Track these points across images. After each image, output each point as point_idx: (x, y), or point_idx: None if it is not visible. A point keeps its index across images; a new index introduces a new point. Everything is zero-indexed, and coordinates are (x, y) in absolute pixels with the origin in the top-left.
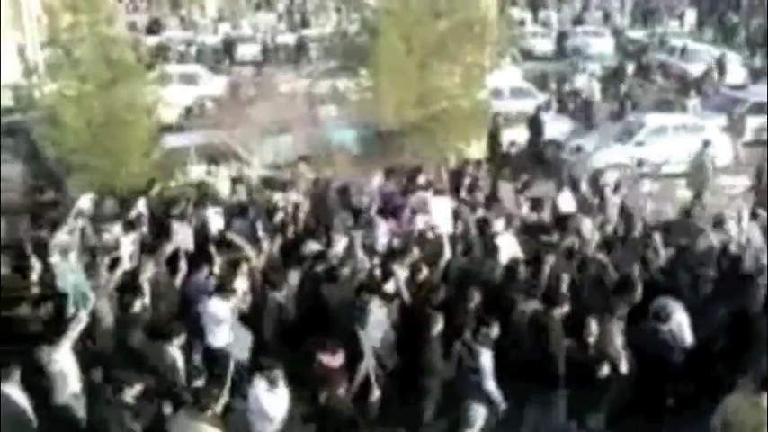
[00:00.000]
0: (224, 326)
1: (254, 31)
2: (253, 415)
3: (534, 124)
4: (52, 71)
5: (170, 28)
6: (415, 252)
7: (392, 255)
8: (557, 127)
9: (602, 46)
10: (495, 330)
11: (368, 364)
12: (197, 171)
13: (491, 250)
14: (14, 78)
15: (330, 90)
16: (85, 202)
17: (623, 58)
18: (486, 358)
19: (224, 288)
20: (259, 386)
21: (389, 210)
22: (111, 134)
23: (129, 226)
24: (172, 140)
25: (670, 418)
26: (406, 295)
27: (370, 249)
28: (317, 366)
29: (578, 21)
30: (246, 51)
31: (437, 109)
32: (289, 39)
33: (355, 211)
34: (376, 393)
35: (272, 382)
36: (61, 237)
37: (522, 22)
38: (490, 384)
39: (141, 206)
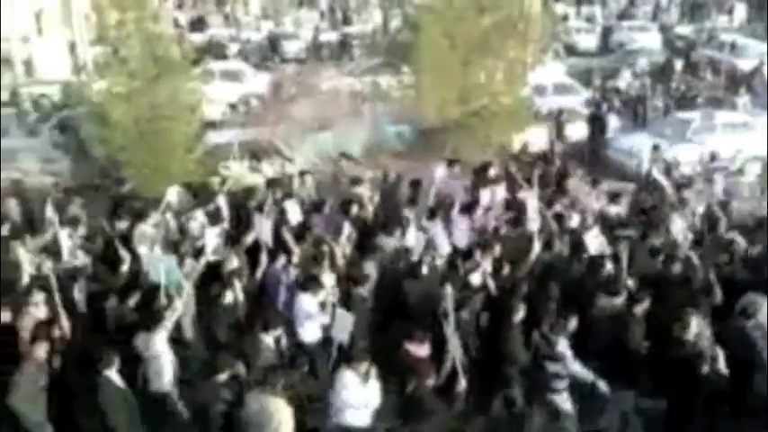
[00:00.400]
0: (313, 320)
1: (296, 29)
2: (344, 407)
3: (596, 121)
4: (100, 68)
5: (214, 25)
6: (497, 248)
7: (476, 249)
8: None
9: (648, 41)
10: (572, 323)
11: (455, 355)
12: (239, 167)
13: (576, 245)
14: (64, 75)
15: (372, 87)
16: (173, 194)
17: (671, 53)
18: (564, 346)
19: (312, 283)
20: (350, 380)
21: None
22: (157, 130)
23: (213, 218)
24: (215, 137)
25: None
26: (492, 286)
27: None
28: (404, 356)
29: (624, 16)
30: (289, 49)
31: (479, 105)
32: (331, 36)
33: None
34: (463, 384)
35: (364, 376)
36: (146, 228)
37: (565, 18)
38: (575, 368)
39: (221, 200)
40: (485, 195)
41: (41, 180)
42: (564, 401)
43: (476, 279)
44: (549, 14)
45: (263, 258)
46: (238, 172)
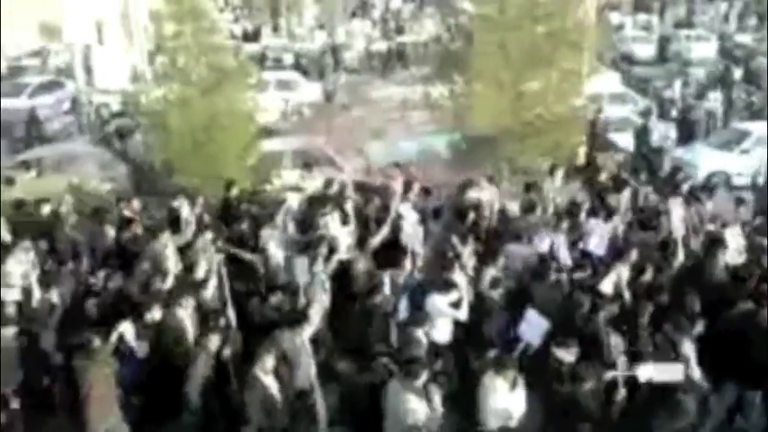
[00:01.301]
0: (446, 320)
1: (349, 39)
2: (489, 413)
3: (642, 131)
4: (158, 77)
5: (268, 36)
6: (633, 254)
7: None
8: (655, 135)
9: (706, 50)
10: (699, 327)
11: (617, 362)
12: (291, 176)
13: (713, 242)
14: (123, 84)
15: (424, 96)
16: (294, 199)
17: (730, 62)
18: (687, 348)
19: (446, 283)
20: (499, 385)
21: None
22: (212, 138)
23: (344, 219)
24: (268, 145)
25: None
26: (627, 295)
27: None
28: (552, 361)
29: (681, 24)
30: (342, 59)
31: (532, 115)
32: (384, 46)
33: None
34: (622, 392)
35: (512, 384)
36: (273, 231)
37: (621, 27)
38: (694, 373)
39: (349, 204)
40: (612, 200)
41: (100, 186)
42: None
43: (607, 287)
44: (604, 24)
45: (407, 262)
46: (290, 180)
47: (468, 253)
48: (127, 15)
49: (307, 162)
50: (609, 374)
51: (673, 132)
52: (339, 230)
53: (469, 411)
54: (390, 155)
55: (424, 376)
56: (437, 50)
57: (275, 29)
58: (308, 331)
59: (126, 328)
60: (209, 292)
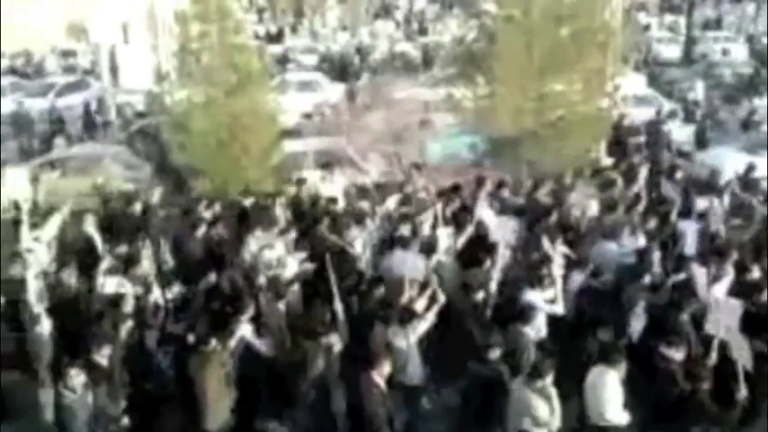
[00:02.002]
0: (541, 316)
1: (372, 40)
2: (605, 405)
3: (653, 132)
4: (182, 78)
5: (292, 37)
6: (734, 253)
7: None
8: (683, 136)
9: (733, 52)
10: None
11: (741, 360)
12: (312, 176)
13: None
14: (147, 84)
15: (446, 97)
16: (392, 202)
17: (758, 65)
18: None
19: (540, 279)
20: (611, 379)
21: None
22: (235, 139)
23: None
24: (290, 146)
25: None
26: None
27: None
28: (660, 360)
29: (709, 26)
30: (365, 59)
31: (555, 116)
32: (407, 47)
33: None
34: (743, 391)
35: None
36: (357, 231)
37: (647, 27)
38: None
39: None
40: (701, 202)
41: (123, 186)
42: None
43: (720, 291)
44: (630, 24)
45: (499, 259)
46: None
47: (559, 254)
48: (152, 15)
49: (329, 163)
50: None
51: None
52: (440, 231)
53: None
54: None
55: (549, 377)
56: (460, 51)
57: (293, 29)
58: (422, 328)
59: (246, 329)
60: (295, 289)
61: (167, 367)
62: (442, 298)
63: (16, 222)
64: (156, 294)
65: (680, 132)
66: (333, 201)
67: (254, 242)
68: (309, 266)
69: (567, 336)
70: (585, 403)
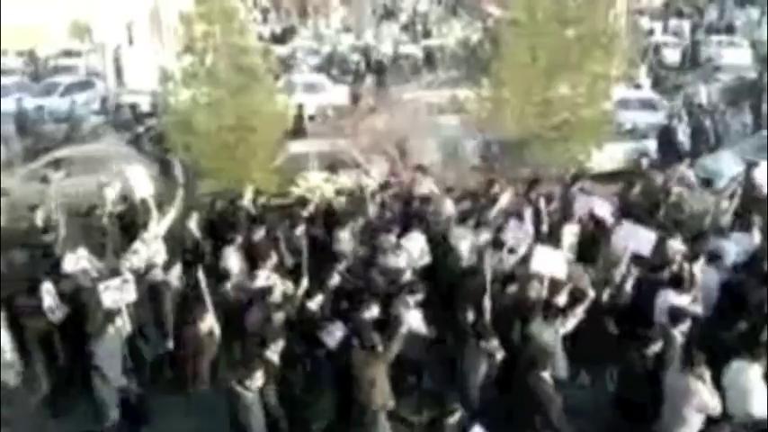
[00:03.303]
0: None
1: (377, 42)
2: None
3: (664, 136)
4: (186, 78)
5: (296, 38)
6: None
7: None
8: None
9: (737, 57)
10: None
11: None
12: (316, 178)
13: None
14: (152, 85)
15: (451, 100)
16: (505, 199)
17: (762, 69)
18: None
19: (679, 281)
20: (754, 374)
21: None
22: (239, 139)
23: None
24: (294, 147)
25: None
26: None
27: None
28: None
29: (713, 30)
30: (369, 61)
31: (560, 119)
32: (411, 49)
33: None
34: None
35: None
36: (462, 231)
37: (651, 32)
38: None
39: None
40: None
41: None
42: None
43: None
44: (634, 28)
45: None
46: (315, 182)
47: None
48: (157, 16)
49: (332, 164)
50: None
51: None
52: (566, 229)
53: None
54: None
55: (702, 366)
56: (465, 54)
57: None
58: (571, 323)
59: (414, 318)
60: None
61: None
62: (591, 293)
63: (120, 218)
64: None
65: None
66: (425, 201)
67: (345, 239)
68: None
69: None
70: (726, 397)
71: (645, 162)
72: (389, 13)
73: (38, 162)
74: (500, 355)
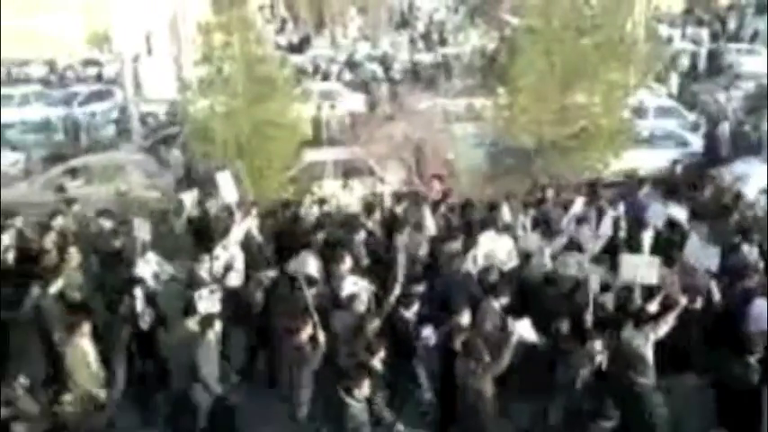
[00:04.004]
0: None
1: (393, 50)
2: None
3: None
4: (204, 88)
5: (313, 47)
6: None
7: None
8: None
9: (756, 65)
10: None
11: None
12: (332, 185)
13: None
14: (170, 94)
15: (467, 108)
16: (578, 205)
17: None
18: None
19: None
20: None
21: None
22: (257, 148)
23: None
24: (310, 155)
25: None
26: None
27: None
28: None
29: (732, 38)
30: (385, 69)
31: (577, 127)
32: (427, 57)
33: None
34: None
35: None
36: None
37: (670, 39)
38: None
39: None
40: None
41: (146, 194)
42: None
43: None
44: (652, 36)
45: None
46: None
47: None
48: (175, 26)
49: (348, 172)
50: None
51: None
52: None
53: None
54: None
55: None
56: (481, 62)
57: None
58: (663, 330)
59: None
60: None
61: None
62: (683, 301)
63: (191, 222)
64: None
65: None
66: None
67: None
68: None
69: None
70: None
71: (679, 168)
72: (406, 22)
73: (55, 171)
74: (601, 358)
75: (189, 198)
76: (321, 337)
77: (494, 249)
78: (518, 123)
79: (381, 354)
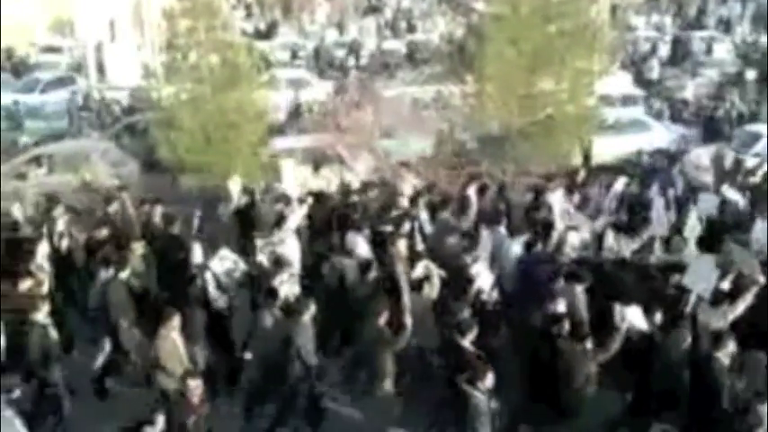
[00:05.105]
0: None
1: (361, 37)
2: None
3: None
4: (169, 74)
5: (280, 34)
6: None
7: None
8: (668, 136)
9: (719, 52)
10: None
11: None
12: (301, 174)
13: None
14: (134, 81)
15: (435, 95)
16: (620, 184)
17: (743, 65)
18: None
19: None
20: None
21: None
22: (223, 136)
23: None
24: (279, 143)
25: None
26: None
27: None
28: None
29: (694, 26)
30: (353, 57)
31: (543, 115)
32: (395, 44)
33: None
34: None
35: None
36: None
37: (634, 27)
38: None
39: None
40: None
41: (110, 182)
42: None
43: None
44: (617, 23)
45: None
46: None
47: None
48: (139, 12)
49: (317, 160)
50: None
51: (681, 134)
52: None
53: None
54: (400, 154)
55: None
56: (449, 49)
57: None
58: (740, 308)
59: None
60: None
61: None
62: (761, 279)
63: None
64: None
65: (666, 133)
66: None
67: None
68: None
69: None
70: None
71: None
72: (374, 9)
73: (19, 159)
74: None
75: (235, 186)
76: (408, 320)
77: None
78: (485, 110)
79: (472, 334)
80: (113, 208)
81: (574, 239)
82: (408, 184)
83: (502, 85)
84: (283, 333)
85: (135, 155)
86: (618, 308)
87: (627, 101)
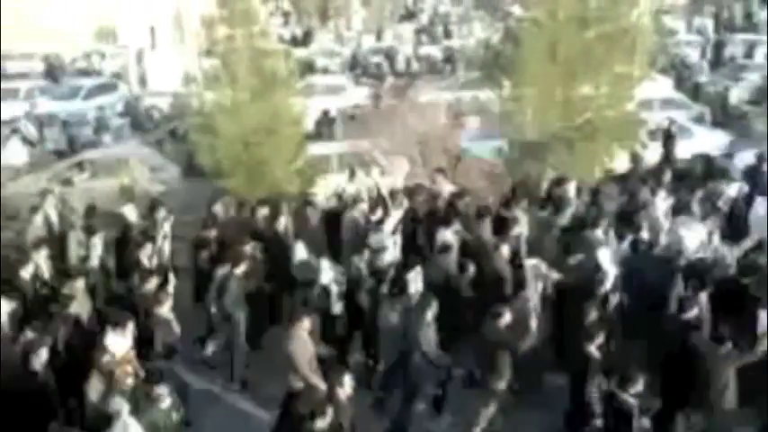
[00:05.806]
0: None
1: (397, 43)
2: None
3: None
4: (209, 81)
5: (318, 40)
6: None
7: None
8: (710, 140)
9: (761, 56)
10: None
11: None
12: (337, 179)
13: None
14: (175, 87)
15: (472, 101)
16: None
17: None
18: None
19: None
20: None
21: None
22: (261, 142)
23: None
24: (315, 148)
25: None
26: None
27: None
28: None
29: (736, 29)
30: (389, 62)
31: (582, 120)
32: (432, 50)
33: None
34: None
35: None
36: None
37: (674, 31)
38: None
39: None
40: None
41: (150, 187)
42: None
43: None
44: (657, 27)
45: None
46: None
47: None
48: (179, 19)
49: (353, 166)
50: None
51: (723, 138)
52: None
53: None
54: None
55: None
56: (486, 55)
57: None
58: None
59: None
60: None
61: None
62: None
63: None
64: None
65: (708, 137)
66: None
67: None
68: None
69: None
70: None
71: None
72: (410, 15)
73: (62, 164)
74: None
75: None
76: (533, 323)
77: (685, 238)
78: (524, 116)
79: (599, 340)
80: (216, 208)
81: (690, 242)
82: (446, 190)
83: (540, 91)
84: (407, 329)
85: (176, 160)
86: (762, 314)
87: (667, 105)
